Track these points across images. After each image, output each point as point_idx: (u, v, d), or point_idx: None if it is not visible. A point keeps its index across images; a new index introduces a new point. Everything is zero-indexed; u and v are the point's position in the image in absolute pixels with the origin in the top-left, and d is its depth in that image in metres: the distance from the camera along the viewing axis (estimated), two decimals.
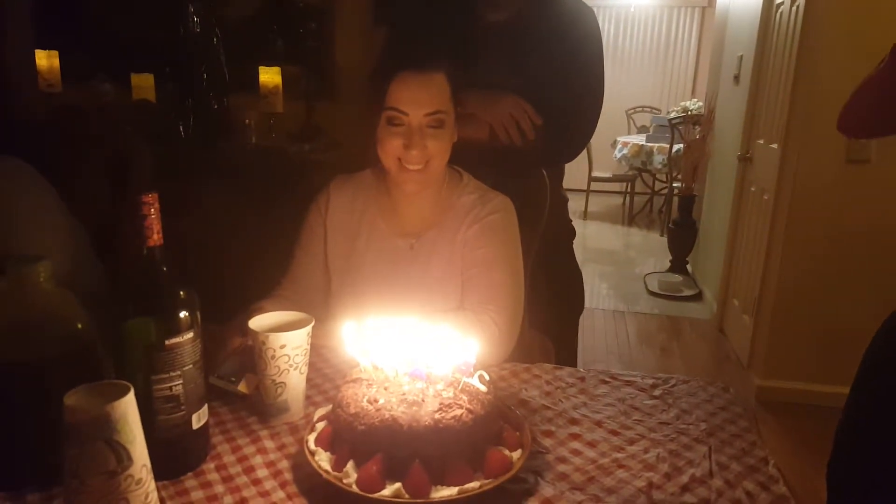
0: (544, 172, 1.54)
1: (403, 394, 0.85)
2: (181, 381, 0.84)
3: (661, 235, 5.69)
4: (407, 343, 0.90)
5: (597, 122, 1.68)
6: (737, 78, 3.75)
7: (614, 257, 5.36)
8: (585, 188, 6.33)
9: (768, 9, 3.23)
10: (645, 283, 4.46)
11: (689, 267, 4.58)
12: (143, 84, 2.69)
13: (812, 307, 2.78)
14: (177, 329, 0.83)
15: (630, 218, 6.47)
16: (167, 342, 0.82)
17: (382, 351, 0.90)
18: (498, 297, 1.28)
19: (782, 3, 3.02)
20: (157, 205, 0.82)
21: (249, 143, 2.69)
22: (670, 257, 4.60)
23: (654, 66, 7.55)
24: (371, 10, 2.68)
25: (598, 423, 1.01)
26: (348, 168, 1.44)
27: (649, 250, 5.47)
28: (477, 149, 1.50)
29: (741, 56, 3.68)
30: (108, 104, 2.84)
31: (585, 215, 6.34)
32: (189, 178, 2.36)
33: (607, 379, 1.15)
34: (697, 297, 4.22)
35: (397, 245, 1.34)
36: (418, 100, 1.21)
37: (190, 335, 0.85)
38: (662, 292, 4.29)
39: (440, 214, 1.33)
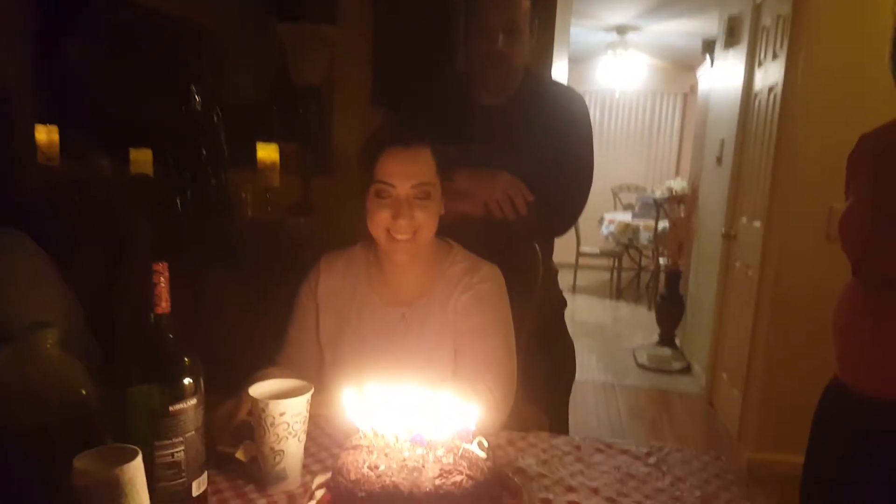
0: (536, 246, 1.59)
1: (404, 460, 0.86)
2: (183, 448, 0.85)
3: (649, 310, 5.72)
4: (407, 409, 0.91)
5: (586, 200, 1.75)
6: (719, 160, 3.89)
7: (603, 331, 5.38)
8: (574, 263, 6.42)
9: (747, 98, 3.41)
10: (634, 356, 4.48)
11: (677, 340, 4.60)
12: (142, 158, 2.73)
13: (800, 381, 2.75)
14: (181, 395, 0.85)
15: (618, 292, 6.53)
16: (171, 409, 0.84)
17: (383, 417, 0.92)
18: (492, 366, 1.29)
19: (759, 93, 3.20)
20: (167, 273, 0.86)
21: (245, 217, 2.74)
22: (658, 331, 4.64)
23: (639, 147, 7.80)
24: (369, 93, 2.80)
25: (595, 491, 1.01)
26: (343, 241, 1.48)
27: (637, 324, 5.50)
28: (471, 222, 1.56)
29: (723, 140, 3.84)
30: (106, 178, 2.89)
31: (574, 289, 6.39)
32: (185, 251, 2.39)
33: (602, 447, 1.16)
34: (686, 370, 4.23)
35: (389, 315, 1.36)
36: (405, 172, 1.27)
37: (193, 402, 0.86)
38: (651, 366, 4.30)
39: (431, 284, 1.37)
